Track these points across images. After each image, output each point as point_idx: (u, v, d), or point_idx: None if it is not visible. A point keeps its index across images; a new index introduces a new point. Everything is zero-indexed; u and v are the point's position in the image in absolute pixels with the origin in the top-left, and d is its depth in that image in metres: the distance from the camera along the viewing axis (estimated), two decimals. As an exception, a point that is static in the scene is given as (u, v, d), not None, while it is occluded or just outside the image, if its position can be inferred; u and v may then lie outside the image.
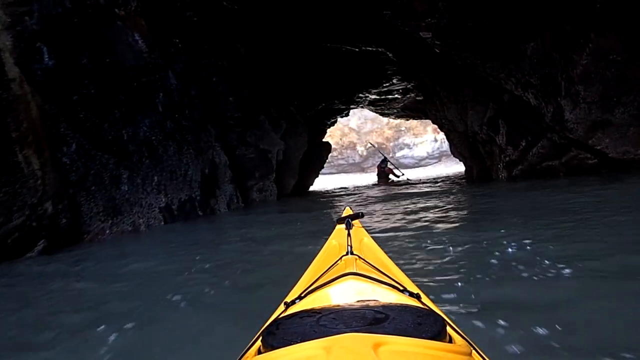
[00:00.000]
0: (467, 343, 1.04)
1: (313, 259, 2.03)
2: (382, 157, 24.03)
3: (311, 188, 20.95)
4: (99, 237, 7.59)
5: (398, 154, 46.13)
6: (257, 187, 13.75)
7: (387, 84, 20.61)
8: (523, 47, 9.34)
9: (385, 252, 2.01)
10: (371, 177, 33.15)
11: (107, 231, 7.69)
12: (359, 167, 47.16)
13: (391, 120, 46.93)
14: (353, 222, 2.08)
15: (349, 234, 1.82)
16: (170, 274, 4.44)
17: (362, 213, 2.22)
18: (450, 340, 0.96)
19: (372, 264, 1.57)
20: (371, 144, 27.41)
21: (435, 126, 45.18)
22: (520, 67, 9.49)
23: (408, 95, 23.40)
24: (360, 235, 2.13)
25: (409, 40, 10.74)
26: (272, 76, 15.02)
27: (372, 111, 25.36)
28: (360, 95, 20.91)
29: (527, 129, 9.80)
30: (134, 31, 9.55)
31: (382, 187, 17.30)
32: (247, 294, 3.42)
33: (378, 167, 22.68)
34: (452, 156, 44.49)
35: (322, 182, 28.87)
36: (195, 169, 10.05)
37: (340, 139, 47.58)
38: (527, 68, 9.43)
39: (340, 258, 1.63)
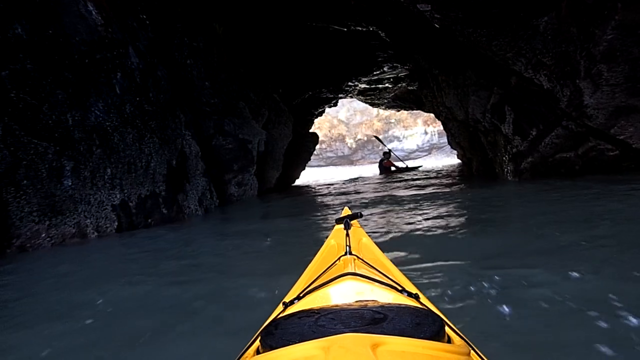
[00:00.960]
0: (465, 343, 1.03)
1: (312, 259, 1.99)
2: (386, 150, 23.66)
3: (297, 181, 19.57)
4: (33, 243, 6.18)
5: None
6: (235, 180, 12.36)
7: (378, 72, 19.28)
8: (535, 22, 8.03)
9: (384, 252, 1.98)
10: (360, 169, 31.95)
11: (43, 234, 6.27)
12: (348, 159, 45.86)
13: (381, 112, 45.64)
14: (351, 222, 2.06)
15: (347, 234, 1.81)
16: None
17: (360, 213, 2.19)
18: (449, 341, 0.97)
19: (371, 264, 1.55)
20: (375, 136, 27.08)
21: (426, 118, 44.11)
22: (532, 45, 8.19)
23: (399, 85, 22.07)
24: (358, 235, 2.09)
25: (404, 15, 9.38)
26: (253, 60, 13.59)
27: (362, 101, 24.00)
28: (350, 83, 19.54)
29: (538, 116, 8.52)
30: (87, 0, 8.08)
31: (380, 181, 15.99)
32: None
33: (380, 162, 22.74)
34: (442, 149, 43.45)
35: (311, 175, 27.44)
36: (160, 160, 8.64)
37: (329, 131, 46.21)
38: (539, 46, 8.13)
39: (339, 258, 1.61)
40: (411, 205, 7.17)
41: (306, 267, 1.90)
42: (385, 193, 9.07)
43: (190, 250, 5.51)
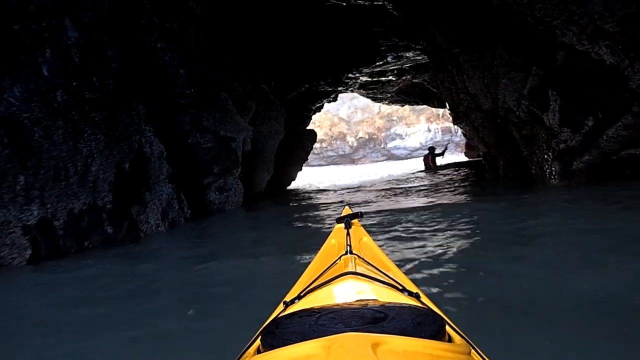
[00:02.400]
0: (466, 342, 1.02)
1: (312, 258, 1.95)
2: (430, 147, 23.04)
3: (293, 184, 17.43)
4: None
5: (390, 145, 42.78)
6: (216, 186, 10.25)
7: (381, 63, 17.18)
8: (595, -24, 5.92)
9: (384, 252, 1.93)
10: (362, 170, 29.84)
11: None
12: (349, 158, 43.75)
13: (382, 109, 43.52)
14: (352, 221, 2.02)
15: (348, 233, 1.78)
16: None
17: (361, 212, 2.14)
18: (450, 340, 0.96)
19: (372, 263, 1.53)
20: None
21: (429, 116, 41.87)
22: (588, 8, 6.06)
23: (404, 77, 19.96)
24: (359, 234, 2.02)
25: (417, -23, 7.26)
26: (238, 45, 11.46)
27: (363, 96, 21.86)
28: (350, 75, 17.42)
29: (595, 102, 6.39)
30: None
31: (386, 188, 13.92)
32: None
33: (425, 157, 22.03)
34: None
35: (311, 175, 25.28)
36: (106, 164, 6.54)
37: (330, 129, 44.10)
38: (598, 8, 6.01)
39: (340, 257, 1.58)
40: (431, 231, 5.07)
41: (307, 266, 1.86)
42: (396, 206, 6.95)
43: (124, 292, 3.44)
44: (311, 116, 18.44)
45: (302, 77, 15.87)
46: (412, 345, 0.76)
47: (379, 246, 2.01)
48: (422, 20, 8.88)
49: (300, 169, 17.49)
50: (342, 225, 1.98)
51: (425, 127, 41.27)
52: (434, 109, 41.33)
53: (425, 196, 8.58)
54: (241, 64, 11.44)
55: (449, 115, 40.60)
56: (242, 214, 9.41)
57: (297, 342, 0.80)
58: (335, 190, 13.48)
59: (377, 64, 17.06)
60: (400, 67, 18.76)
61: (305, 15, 12.43)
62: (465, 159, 24.56)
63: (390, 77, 19.86)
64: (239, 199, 10.59)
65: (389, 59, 16.86)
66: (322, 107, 19.02)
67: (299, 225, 6.93)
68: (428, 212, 6.12)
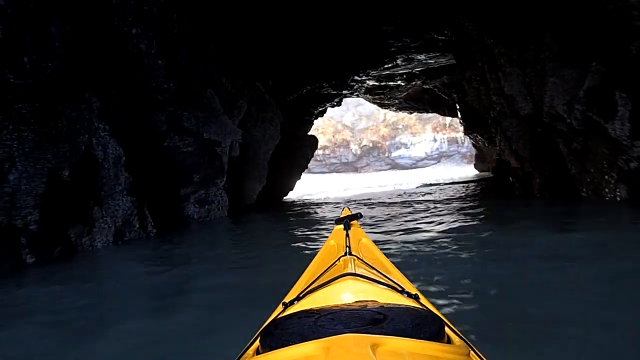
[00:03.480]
0: (465, 344, 1.01)
1: (312, 259, 1.90)
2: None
3: (291, 194, 15.71)
4: None
5: (394, 154, 41.09)
6: (196, 197, 8.57)
7: (390, 65, 15.50)
8: None
9: (383, 253, 1.90)
10: (365, 179, 28.04)
11: None
12: (352, 166, 42.06)
13: (388, 117, 41.87)
14: (351, 222, 1.99)
15: (347, 235, 1.75)
16: None
17: (360, 214, 2.11)
18: (449, 341, 0.96)
19: (371, 264, 1.50)
20: None
21: (435, 125, 40.14)
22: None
23: (414, 82, 18.29)
24: (358, 235, 1.99)
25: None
26: (228, 35, 9.81)
27: (369, 101, 20.18)
28: (356, 78, 15.76)
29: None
30: None
31: (397, 211, 12.21)
32: None
33: None
34: (451, 157, 39.53)
35: (312, 183, 23.55)
36: (33, 171, 4.87)
37: (333, 136, 42.45)
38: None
39: (339, 259, 1.55)
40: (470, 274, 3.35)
41: (306, 267, 1.81)
42: (413, 237, 5.23)
43: None
44: (313, 121, 16.76)
45: (304, 77, 14.22)
46: (411, 346, 0.76)
47: (377, 245, 1.98)
48: (448, 4, 7.19)
49: (299, 178, 15.80)
50: (342, 226, 1.93)
51: (431, 136, 39.56)
52: (440, 119, 39.76)
53: (449, 213, 6.90)
54: (232, 57, 9.79)
55: (456, 125, 39.02)
56: (223, 232, 7.71)
57: (296, 343, 0.79)
58: (337, 203, 11.80)
59: (386, 66, 15.38)
60: (410, 71, 17.10)
61: (308, 7, 10.80)
62: (475, 171, 22.87)
63: (399, 82, 18.18)
64: (223, 212, 8.90)
65: (398, 61, 15.19)
66: (324, 111, 17.35)
67: (286, 249, 5.24)
68: (473, 245, 4.43)
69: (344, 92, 16.30)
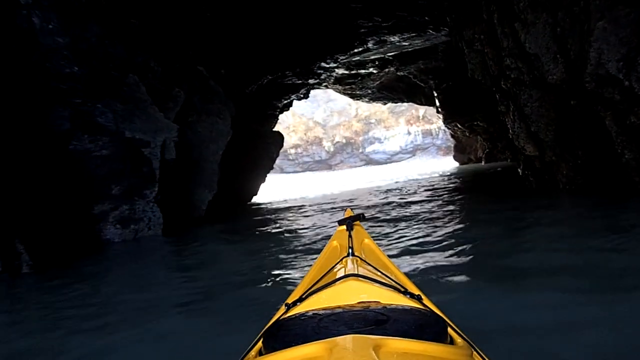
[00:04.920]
0: (468, 345, 0.98)
1: (315, 260, 1.89)
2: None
3: (255, 199, 13.55)
4: None
5: (368, 149, 39.31)
6: (115, 215, 6.39)
7: (360, 49, 13.56)
8: None
9: (386, 254, 1.87)
10: (340, 177, 25.95)
11: None
12: (326, 164, 40.10)
13: (360, 112, 40.00)
14: (354, 223, 1.95)
15: (350, 236, 1.73)
16: None
17: (363, 215, 2.06)
18: (452, 342, 0.94)
19: (373, 265, 1.48)
20: None
21: (408, 118, 38.40)
22: None
23: (387, 69, 16.38)
24: (361, 236, 1.96)
25: None
26: (156, 4, 7.62)
27: (340, 92, 18.17)
28: (324, 65, 13.72)
29: None
30: None
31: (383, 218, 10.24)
32: None
33: None
34: (427, 150, 37.91)
35: (284, 185, 21.37)
36: None
37: (305, 134, 40.37)
38: None
39: (342, 259, 1.53)
40: None
41: (309, 268, 1.80)
42: (424, 263, 3.28)
43: None
44: (277, 115, 14.65)
45: (264, 65, 12.13)
46: (414, 347, 0.75)
47: (379, 246, 1.93)
48: None
49: (264, 180, 13.66)
50: (344, 227, 1.91)
51: (405, 129, 37.89)
52: (413, 111, 38.15)
53: (457, 221, 4.98)
54: (163, 34, 7.62)
55: (430, 117, 37.45)
56: (148, 260, 5.55)
57: (299, 344, 0.78)
58: (311, 205, 9.75)
59: (356, 50, 13.42)
60: (382, 56, 15.19)
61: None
62: (455, 163, 21.14)
63: (371, 70, 16.26)
64: (156, 231, 6.74)
65: (369, 44, 13.25)
66: (290, 104, 15.25)
67: (236, 290, 3.20)
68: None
69: (311, 81, 14.22)
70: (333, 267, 1.48)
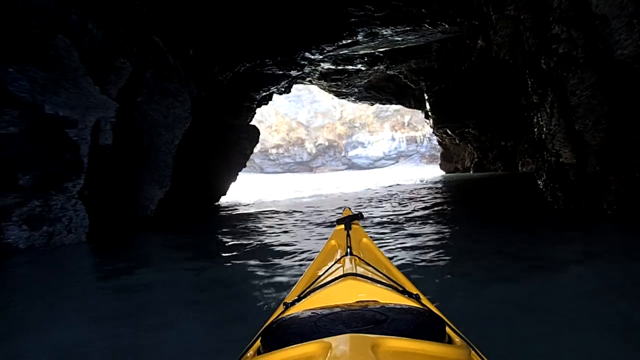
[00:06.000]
0: (466, 344, 0.97)
1: (313, 259, 1.82)
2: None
3: (226, 198, 12.01)
4: None
5: (351, 153, 38.04)
6: (21, 213, 4.83)
7: (349, 41, 12.23)
8: None
9: (384, 253, 1.83)
10: (321, 181, 24.33)
11: None
12: (307, 166, 38.67)
13: (344, 114, 38.67)
14: (352, 222, 1.92)
15: (348, 235, 1.70)
16: None
17: (361, 214, 2.01)
18: (450, 341, 0.94)
19: (372, 264, 1.46)
20: None
21: (393, 123, 37.26)
22: None
23: (376, 67, 15.07)
24: (359, 235, 1.92)
25: None
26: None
27: (325, 89, 16.78)
28: (308, 55, 12.32)
29: None
30: None
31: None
32: None
33: None
34: (410, 157, 36.74)
35: (266, 183, 19.81)
36: None
37: (287, 134, 38.83)
38: None
39: (340, 259, 1.52)
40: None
41: (307, 267, 1.74)
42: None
43: None
44: (254, 108, 13.15)
45: (241, 50, 10.69)
46: (412, 346, 0.74)
47: (377, 246, 1.87)
48: None
49: (235, 179, 12.13)
50: (342, 226, 1.86)
51: (389, 135, 36.69)
52: (399, 117, 36.99)
53: (434, 258, 3.57)
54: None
55: (415, 124, 36.35)
56: (54, 283, 4.01)
57: (297, 343, 0.77)
58: (288, 212, 8.31)
59: (344, 42, 12.05)
60: (372, 51, 13.90)
61: None
62: (441, 172, 19.93)
63: (359, 66, 14.93)
64: (78, 236, 5.19)
65: (359, 36, 11.92)
66: (269, 97, 13.78)
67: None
68: None
69: (293, 73, 12.79)
70: (331, 267, 1.45)
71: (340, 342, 0.69)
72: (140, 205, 6.80)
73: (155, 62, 6.61)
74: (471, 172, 16.90)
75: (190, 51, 8.73)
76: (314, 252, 3.69)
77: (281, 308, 1.26)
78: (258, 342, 0.94)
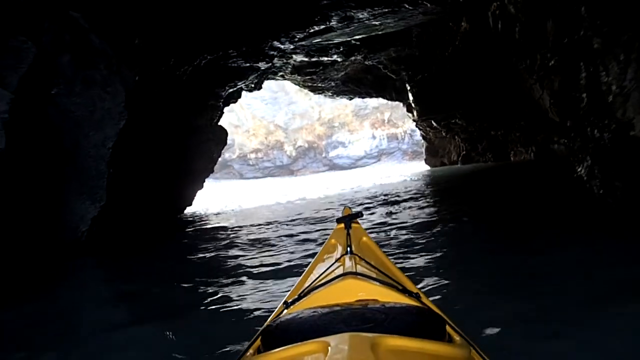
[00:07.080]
0: (466, 343, 0.96)
1: (313, 258, 1.81)
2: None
3: (190, 210, 10.49)
4: None
5: (331, 154, 36.76)
6: None
7: (322, 27, 10.95)
8: None
9: (384, 252, 1.81)
10: (302, 184, 22.83)
11: None
12: (287, 169, 37.23)
13: (323, 115, 37.37)
14: (352, 221, 1.86)
15: (348, 234, 1.66)
16: None
17: (361, 212, 1.96)
18: (450, 340, 0.92)
19: (372, 263, 1.44)
20: None
21: (373, 121, 36.08)
22: None
23: (353, 57, 13.78)
24: (359, 234, 1.89)
25: None
26: None
27: (299, 84, 15.41)
28: (277, 44, 10.95)
29: None
30: None
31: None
32: None
33: None
34: (392, 155, 35.59)
35: (246, 189, 18.20)
36: None
37: (266, 138, 37.32)
38: None
39: (340, 257, 1.49)
40: None
41: (307, 266, 1.73)
42: None
43: None
44: (221, 106, 11.68)
45: (200, 40, 9.27)
46: (412, 345, 0.73)
47: (378, 244, 1.84)
48: None
49: (201, 187, 10.64)
50: (342, 225, 1.82)
51: (369, 133, 35.54)
52: (379, 114, 35.87)
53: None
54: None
55: (395, 121, 35.24)
56: None
57: (297, 342, 0.76)
58: (267, 225, 6.87)
59: (316, 28, 10.71)
60: (348, 39, 12.58)
61: None
62: (426, 167, 18.75)
63: (334, 57, 13.61)
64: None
65: (333, 21, 10.60)
66: (237, 94, 12.36)
67: None
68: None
69: (262, 65, 11.40)
70: (331, 265, 1.44)
71: (340, 341, 0.68)
72: (67, 226, 5.31)
73: (74, 45, 5.14)
74: (459, 165, 15.73)
75: (135, 41, 7.29)
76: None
77: (281, 307, 1.27)
78: (258, 341, 0.93)
